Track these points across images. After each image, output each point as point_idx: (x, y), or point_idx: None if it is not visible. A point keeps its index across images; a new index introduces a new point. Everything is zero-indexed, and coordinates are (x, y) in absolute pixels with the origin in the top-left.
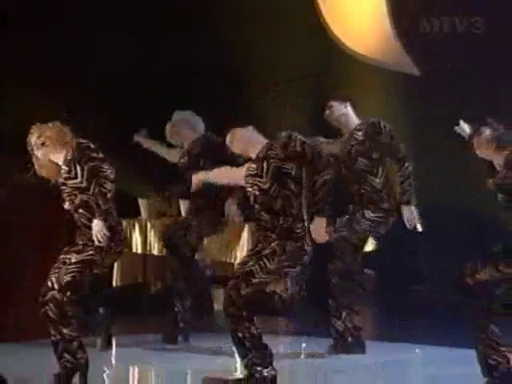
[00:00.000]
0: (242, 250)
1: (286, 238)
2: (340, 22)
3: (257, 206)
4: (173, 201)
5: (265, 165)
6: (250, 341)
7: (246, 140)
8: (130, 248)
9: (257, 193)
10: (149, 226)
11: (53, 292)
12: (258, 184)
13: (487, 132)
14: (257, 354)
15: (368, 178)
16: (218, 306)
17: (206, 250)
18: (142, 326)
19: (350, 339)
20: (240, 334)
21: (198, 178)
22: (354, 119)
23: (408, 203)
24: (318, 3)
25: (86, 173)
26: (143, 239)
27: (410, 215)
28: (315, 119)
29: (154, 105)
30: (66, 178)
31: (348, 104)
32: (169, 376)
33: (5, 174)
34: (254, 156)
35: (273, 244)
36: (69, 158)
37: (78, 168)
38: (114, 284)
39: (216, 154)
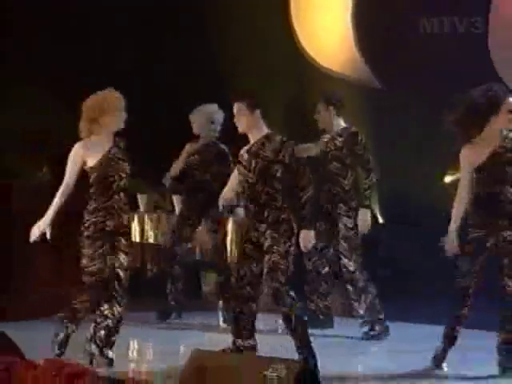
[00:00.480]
0: (226, 239)
1: (274, 224)
2: (314, 44)
3: (245, 197)
4: (167, 196)
5: (253, 163)
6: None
7: (251, 122)
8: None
9: (245, 185)
10: (146, 218)
11: None
12: (247, 178)
13: None
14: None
15: (339, 179)
16: (206, 288)
17: (198, 239)
18: (140, 305)
19: (321, 317)
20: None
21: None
22: (338, 121)
23: (367, 207)
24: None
25: None
26: (141, 230)
27: (365, 216)
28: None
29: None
30: None
31: (331, 108)
32: (163, 348)
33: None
34: (251, 138)
35: (268, 232)
36: None
37: None
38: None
39: (224, 165)
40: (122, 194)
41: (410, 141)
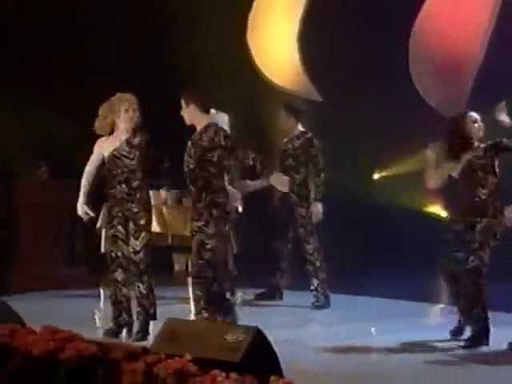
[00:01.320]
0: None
1: (210, 207)
2: (266, 63)
3: (188, 181)
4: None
5: (192, 151)
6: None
7: (189, 115)
8: None
9: (186, 169)
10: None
11: None
12: (188, 163)
13: None
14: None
15: (293, 174)
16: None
17: (168, 224)
18: None
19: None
20: (198, 292)
21: None
22: (297, 127)
23: (319, 200)
24: (251, 50)
25: None
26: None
27: (317, 208)
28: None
29: None
30: None
31: (292, 116)
32: None
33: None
34: (198, 128)
35: (204, 214)
36: None
37: None
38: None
39: None
40: (123, 186)
41: (344, 142)
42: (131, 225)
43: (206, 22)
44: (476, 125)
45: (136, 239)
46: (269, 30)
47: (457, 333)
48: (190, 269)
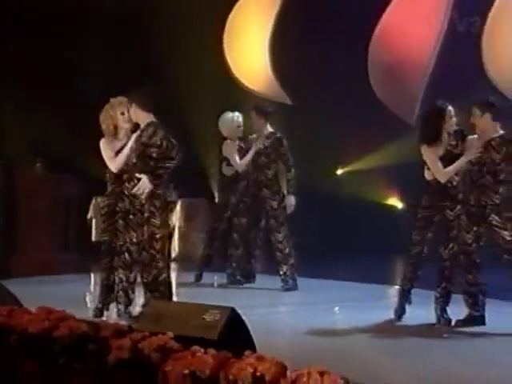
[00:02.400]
0: None
1: (151, 198)
2: (241, 70)
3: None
4: None
5: (135, 145)
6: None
7: (133, 114)
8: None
9: (130, 164)
10: None
11: None
12: (132, 159)
13: None
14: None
15: (264, 170)
16: None
17: None
18: None
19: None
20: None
21: None
22: (266, 128)
23: (292, 194)
24: (228, 59)
25: None
26: None
27: (290, 201)
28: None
29: None
30: None
31: (262, 117)
32: None
33: None
34: (141, 126)
35: (146, 206)
36: None
37: None
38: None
39: None
40: (131, 183)
41: (312, 141)
42: (134, 218)
43: (181, 22)
44: (452, 119)
45: (135, 232)
46: (242, 35)
47: (401, 314)
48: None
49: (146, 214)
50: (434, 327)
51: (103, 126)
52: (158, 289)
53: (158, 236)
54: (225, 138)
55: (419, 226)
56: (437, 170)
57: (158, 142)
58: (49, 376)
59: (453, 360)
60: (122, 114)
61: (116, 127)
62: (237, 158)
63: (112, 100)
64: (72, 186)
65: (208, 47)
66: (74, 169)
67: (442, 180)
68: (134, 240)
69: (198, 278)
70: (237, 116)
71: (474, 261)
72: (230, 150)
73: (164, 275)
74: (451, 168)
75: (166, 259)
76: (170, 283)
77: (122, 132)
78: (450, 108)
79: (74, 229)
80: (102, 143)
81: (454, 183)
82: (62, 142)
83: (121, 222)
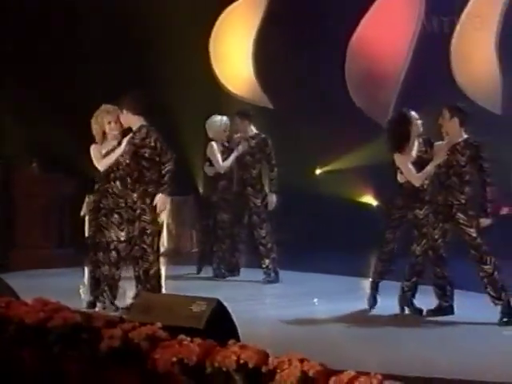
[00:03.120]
0: None
1: (143, 196)
2: (226, 76)
3: (123, 174)
4: None
5: (127, 147)
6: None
7: (124, 119)
8: None
9: (123, 163)
10: None
11: None
12: (125, 159)
13: None
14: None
15: (249, 169)
16: None
17: None
18: None
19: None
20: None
21: None
22: (251, 128)
23: (274, 192)
24: (214, 65)
25: None
26: None
27: (272, 199)
28: None
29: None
30: None
31: (246, 119)
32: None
33: None
34: (133, 129)
35: (138, 203)
36: None
37: None
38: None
39: None
40: (118, 183)
41: (293, 142)
42: (116, 216)
43: (169, 30)
44: (417, 122)
45: (122, 230)
46: (227, 43)
47: (373, 304)
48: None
49: (137, 211)
50: (405, 316)
51: (93, 131)
52: (149, 282)
53: (148, 231)
54: (210, 140)
55: (393, 225)
56: (411, 175)
57: (152, 144)
58: (44, 363)
59: (423, 346)
60: (109, 123)
61: (104, 133)
62: (219, 160)
63: (102, 107)
64: (67, 185)
65: (196, 54)
66: (69, 169)
67: (417, 184)
68: (122, 238)
69: (199, 271)
70: (224, 120)
71: (441, 255)
72: (213, 151)
73: (155, 269)
74: (423, 172)
75: (156, 253)
76: (160, 276)
77: (110, 137)
78: (413, 113)
79: (68, 225)
80: (92, 148)
81: (425, 186)
82: (57, 142)
83: (103, 218)
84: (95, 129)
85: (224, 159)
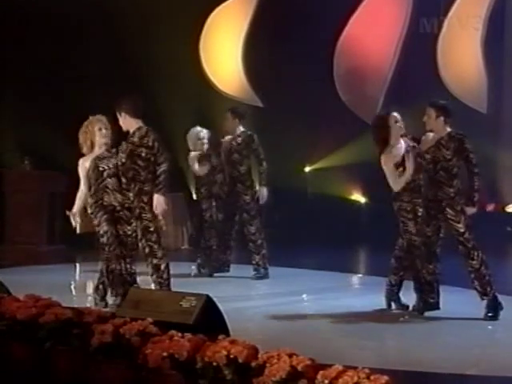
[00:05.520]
0: None
1: (139, 194)
2: (216, 75)
3: (119, 173)
4: None
5: (125, 146)
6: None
7: (123, 121)
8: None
9: (119, 163)
10: None
11: None
12: (121, 158)
13: None
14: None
15: (237, 166)
16: None
17: None
18: None
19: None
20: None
21: None
22: (239, 127)
23: (264, 186)
24: (204, 66)
25: None
26: None
27: (264, 193)
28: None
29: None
30: None
31: (236, 118)
32: None
33: None
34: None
35: (135, 202)
36: None
37: None
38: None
39: None
40: (113, 179)
41: (282, 141)
42: (124, 212)
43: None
44: (397, 124)
45: (130, 225)
46: (217, 44)
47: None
48: None
49: (137, 210)
50: (392, 311)
51: (80, 141)
52: (162, 276)
53: (152, 229)
54: (189, 150)
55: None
56: (391, 180)
57: (150, 144)
58: (36, 359)
59: (409, 341)
60: (100, 129)
61: (92, 143)
62: (196, 167)
63: (91, 117)
64: (58, 182)
65: (187, 55)
66: (60, 166)
67: (395, 189)
68: (129, 233)
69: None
70: (202, 131)
71: (434, 251)
72: (192, 161)
73: (164, 264)
74: (401, 179)
75: (163, 249)
76: (169, 271)
77: (97, 148)
78: (393, 114)
79: (59, 222)
80: (80, 163)
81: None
82: (48, 141)
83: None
84: (83, 138)
85: (201, 163)
